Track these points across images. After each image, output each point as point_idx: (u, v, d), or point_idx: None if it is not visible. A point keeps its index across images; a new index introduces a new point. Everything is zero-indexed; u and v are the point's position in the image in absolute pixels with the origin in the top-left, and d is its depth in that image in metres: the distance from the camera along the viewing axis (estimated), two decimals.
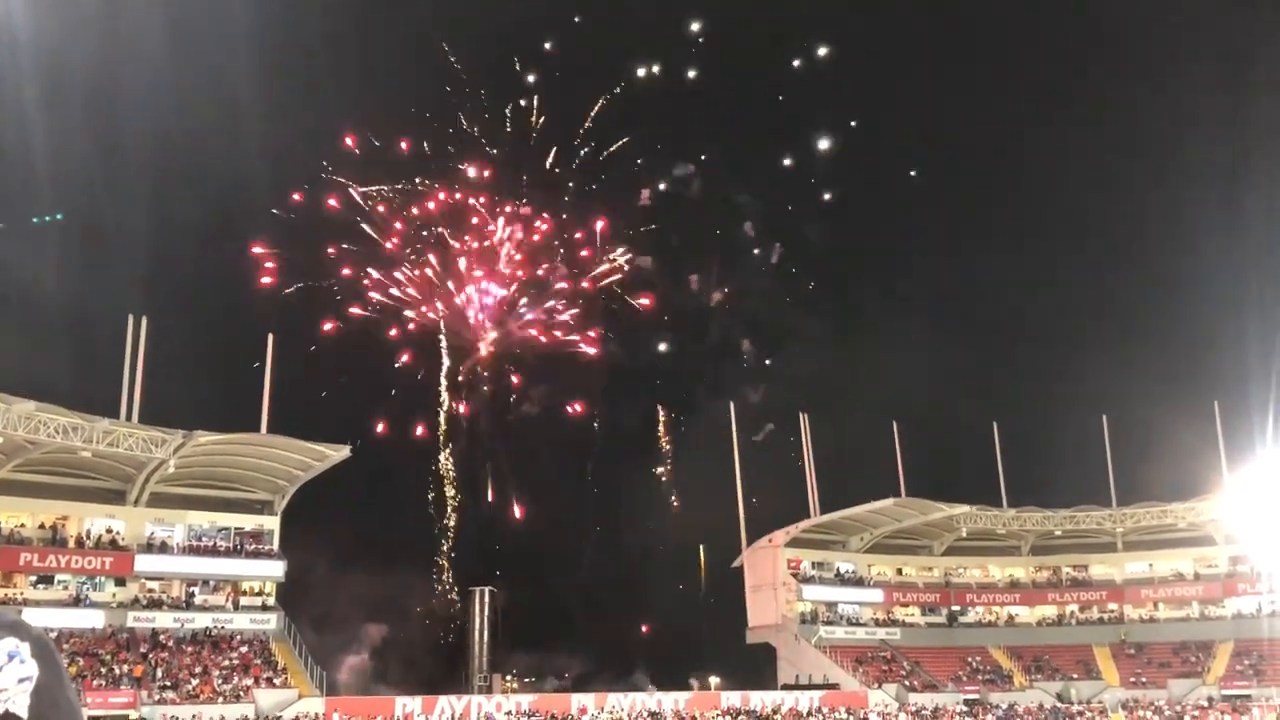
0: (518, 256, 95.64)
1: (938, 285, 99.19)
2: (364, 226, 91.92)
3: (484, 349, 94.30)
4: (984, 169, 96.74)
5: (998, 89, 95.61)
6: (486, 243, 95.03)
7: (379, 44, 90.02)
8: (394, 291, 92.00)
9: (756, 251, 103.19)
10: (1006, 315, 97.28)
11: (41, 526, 61.08)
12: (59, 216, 77.59)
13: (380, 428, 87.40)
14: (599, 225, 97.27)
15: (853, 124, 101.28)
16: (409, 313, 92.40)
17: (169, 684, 56.76)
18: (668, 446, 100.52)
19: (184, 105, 78.35)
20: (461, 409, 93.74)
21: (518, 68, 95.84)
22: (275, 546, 66.48)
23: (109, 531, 62.47)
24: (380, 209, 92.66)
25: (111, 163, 76.19)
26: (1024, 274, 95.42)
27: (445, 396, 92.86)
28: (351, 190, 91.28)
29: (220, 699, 56.66)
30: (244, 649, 61.67)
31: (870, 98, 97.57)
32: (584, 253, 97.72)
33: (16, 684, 2.40)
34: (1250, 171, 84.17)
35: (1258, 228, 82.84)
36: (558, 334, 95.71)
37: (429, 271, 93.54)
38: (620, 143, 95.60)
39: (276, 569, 65.62)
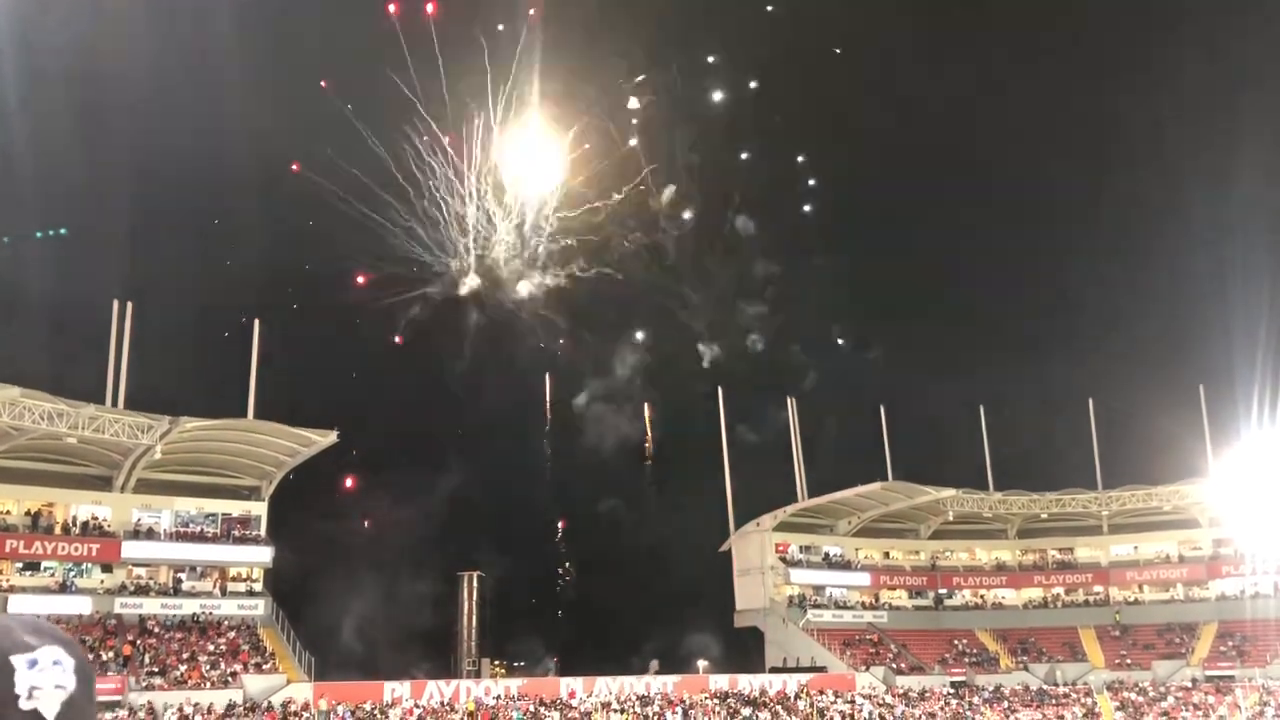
0: None
1: (924, 269, 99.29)
2: None
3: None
4: (971, 154, 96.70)
5: (989, 74, 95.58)
6: None
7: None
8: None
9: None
10: (992, 299, 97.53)
11: (27, 513, 60.77)
12: (63, 231, 77.06)
13: None
14: None
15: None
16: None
17: (157, 670, 56.68)
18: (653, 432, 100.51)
19: (165, 86, 77.73)
20: None
21: None
22: (263, 532, 66.31)
23: (95, 518, 62.21)
24: None
25: (93, 147, 75.58)
26: (1010, 257, 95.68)
27: None
28: None
29: (208, 685, 56.54)
30: (232, 635, 61.60)
31: (862, 78, 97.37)
32: None
33: (53, 688, 2.53)
34: (1236, 157, 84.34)
35: (1243, 213, 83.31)
36: None
37: None
38: None
39: (264, 555, 65.47)
